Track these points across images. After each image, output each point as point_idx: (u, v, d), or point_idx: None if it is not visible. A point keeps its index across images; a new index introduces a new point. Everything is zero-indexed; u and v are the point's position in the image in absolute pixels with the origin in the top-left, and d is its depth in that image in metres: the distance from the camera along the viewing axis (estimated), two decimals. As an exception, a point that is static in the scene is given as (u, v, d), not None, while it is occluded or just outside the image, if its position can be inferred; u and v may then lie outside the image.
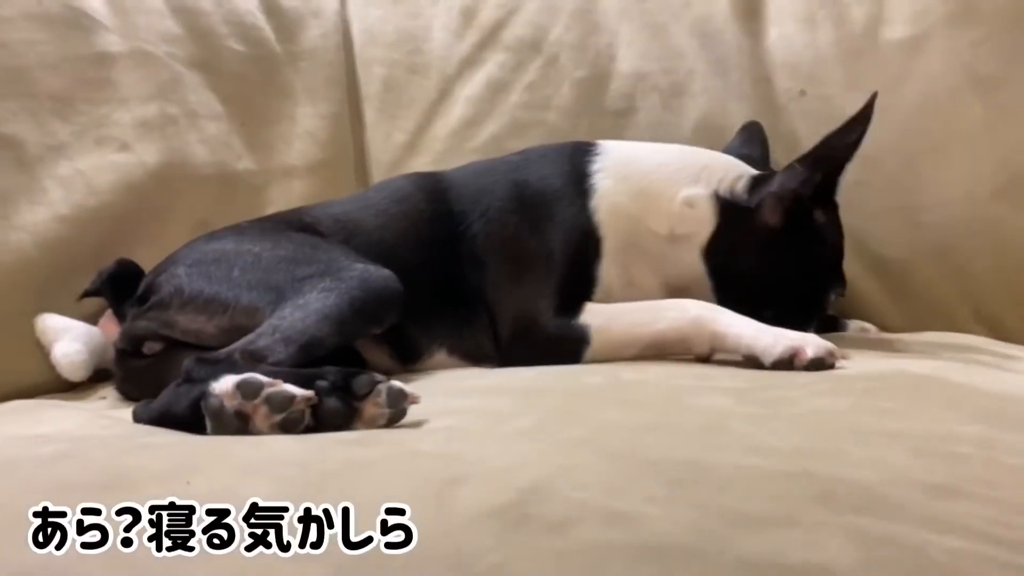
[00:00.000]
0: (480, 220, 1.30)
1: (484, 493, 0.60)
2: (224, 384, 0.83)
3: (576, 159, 1.30)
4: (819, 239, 1.23)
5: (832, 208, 1.24)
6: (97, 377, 1.31)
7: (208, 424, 0.83)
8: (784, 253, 1.22)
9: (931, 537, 0.53)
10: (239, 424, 0.82)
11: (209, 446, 0.79)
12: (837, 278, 1.27)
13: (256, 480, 0.64)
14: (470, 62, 1.79)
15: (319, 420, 0.83)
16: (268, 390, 0.82)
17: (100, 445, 0.80)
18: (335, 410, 0.83)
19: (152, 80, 1.51)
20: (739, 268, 1.23)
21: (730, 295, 1.20)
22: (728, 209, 1.23)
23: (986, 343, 1.22)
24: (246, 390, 0.82)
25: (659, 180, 1.26)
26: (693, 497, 0.60)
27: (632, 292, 1.23)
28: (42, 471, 0.68)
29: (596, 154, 1.31)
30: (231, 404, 0.82)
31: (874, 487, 0.62)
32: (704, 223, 1.24)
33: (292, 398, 0.82)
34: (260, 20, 1.71)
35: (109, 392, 1.23)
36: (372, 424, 0.84)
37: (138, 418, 0.95)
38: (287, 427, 0.82)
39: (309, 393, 0.83)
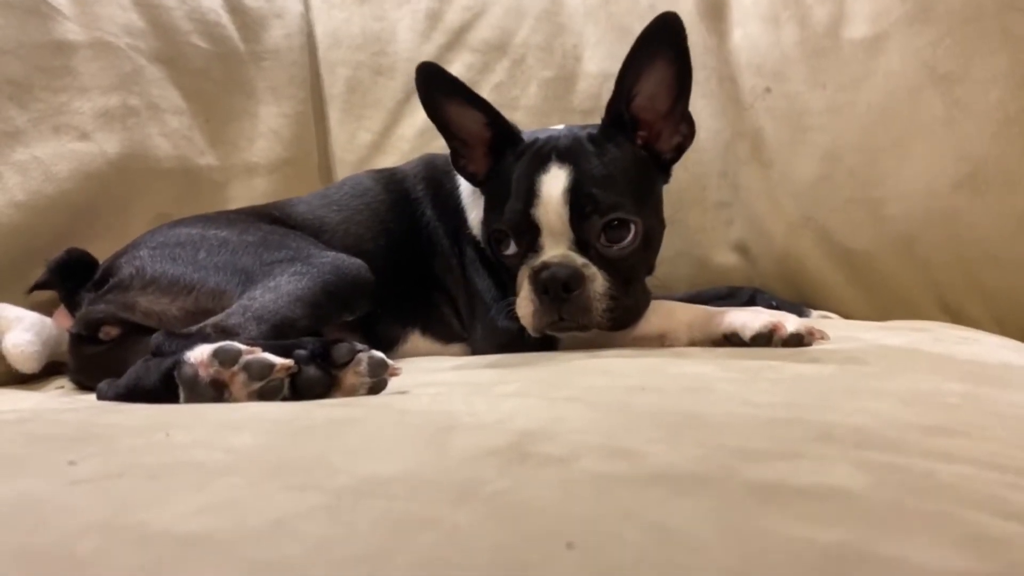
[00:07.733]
0: (432, 208, 1.31)
1: (480, 438, 0.59)
2: (200, 352, 0.80)
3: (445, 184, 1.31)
4: (496, 180, 1.18)
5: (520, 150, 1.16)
6: (52, 371, 1.26)
7: (181, 394, 0.80)
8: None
9: (936, 465, 0.53)
10: (214, 393, 0.79)
11: (185, 408, 0.76)
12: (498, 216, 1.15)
13: (239, 432, 0.61)
14: (437, 63, 1.78)
15: (297, 390, 0.81)
16: (247, 357, 0.79)
17: (68, 412, 0.76)
18: (314, 379, 0.81)
19: (113, 71, 1.48)
20: None
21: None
22: None
23: (949, 327, 1.23)
24: (224, 357, 0.79)
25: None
26: (694, 437, 0.59)
27: None
28: (7, 428, 0.64)
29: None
30: (207, 372, 0.79)
31: (871, 429, 0.61)
32: None
33: (272, 366, 0.79)
34: (224, 18, 1.69)
35: (66, 383, 1.19)
36: (352, 393, 0.81)
37: (103, 395, 0.90)
38: (265, 396, 0.79)
39: (289, 362, 0.80)
